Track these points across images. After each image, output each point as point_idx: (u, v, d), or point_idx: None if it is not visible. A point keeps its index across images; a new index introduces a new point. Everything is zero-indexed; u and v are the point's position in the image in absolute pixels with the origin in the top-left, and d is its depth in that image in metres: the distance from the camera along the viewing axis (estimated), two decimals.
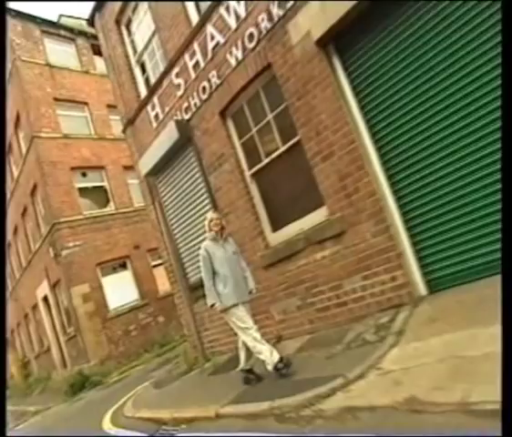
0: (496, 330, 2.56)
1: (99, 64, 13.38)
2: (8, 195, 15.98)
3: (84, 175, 13.13)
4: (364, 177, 3.97)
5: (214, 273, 3.86)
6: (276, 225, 5.05)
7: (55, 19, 15.53)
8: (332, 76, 4.15)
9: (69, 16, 16.23)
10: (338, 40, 4.16)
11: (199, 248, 5.99)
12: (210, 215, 4.11)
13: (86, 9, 40.96)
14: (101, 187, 13.50)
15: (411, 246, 3.95)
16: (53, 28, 13.96)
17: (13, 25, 12.73)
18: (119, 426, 4.82)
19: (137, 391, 6.78)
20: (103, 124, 13.98)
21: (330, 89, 4.10)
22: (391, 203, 3.99)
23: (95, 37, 8.36)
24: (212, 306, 3.84)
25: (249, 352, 3.89)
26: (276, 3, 4.45)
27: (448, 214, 3.69)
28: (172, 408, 4.28)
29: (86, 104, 13.85)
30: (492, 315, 2.78)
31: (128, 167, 12.52)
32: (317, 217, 4.47)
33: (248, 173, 5.23)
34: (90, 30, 10.77)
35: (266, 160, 5.01)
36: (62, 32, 14.17)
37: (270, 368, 3.59)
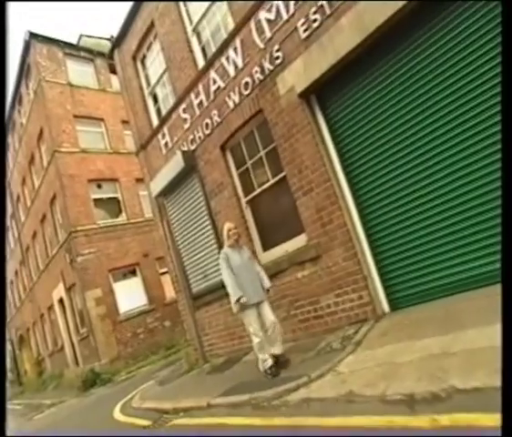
0: (426, 342, 3.29)
1: (115, 82, 14.39)
2: (28, 203, 17.12)
3: (99, 186, 14.15)
4: (337, 210, 4.72)
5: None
6: (266, 246, 5.81)
7: (75, 38, 16.75)
8: (313, 124, 4.92)
9: (89, 36, 17.42)
10: (319, 92, 4.93)
11: (200, 262, 6.92)
12: (228, 225, 4.44)
13: (104, 29, 42.80)
14: (115, 198, 14.51)
15: (377, 270, 4.67)
16: (74, 50, 15.14)
17: (39, 49, 13.91)
18: (128, 415, 5.62)
19: (143, 387, 7.58)
20: (117, 139, 15.02)
21: (310, 135, 4.87)
22: (360, 233, 4.72)
23: (112, 57, 9.15)
24: (238, 300, 4.05)
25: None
26: (268, 58, 5.27)
27: (410, 243, 4.41)
28: (173, 400, 5.06)
29: (102, 120, 14.92)
30: (428, 330, 3.51)
31: (139, 180, 13.44)
32: (299, 242, 5.22)
33: (244, 200, 6.02)
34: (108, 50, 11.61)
35: (259, 190, 5.78)
36: (82, 53, 15.33)
37: (261, 369, 4.30)
